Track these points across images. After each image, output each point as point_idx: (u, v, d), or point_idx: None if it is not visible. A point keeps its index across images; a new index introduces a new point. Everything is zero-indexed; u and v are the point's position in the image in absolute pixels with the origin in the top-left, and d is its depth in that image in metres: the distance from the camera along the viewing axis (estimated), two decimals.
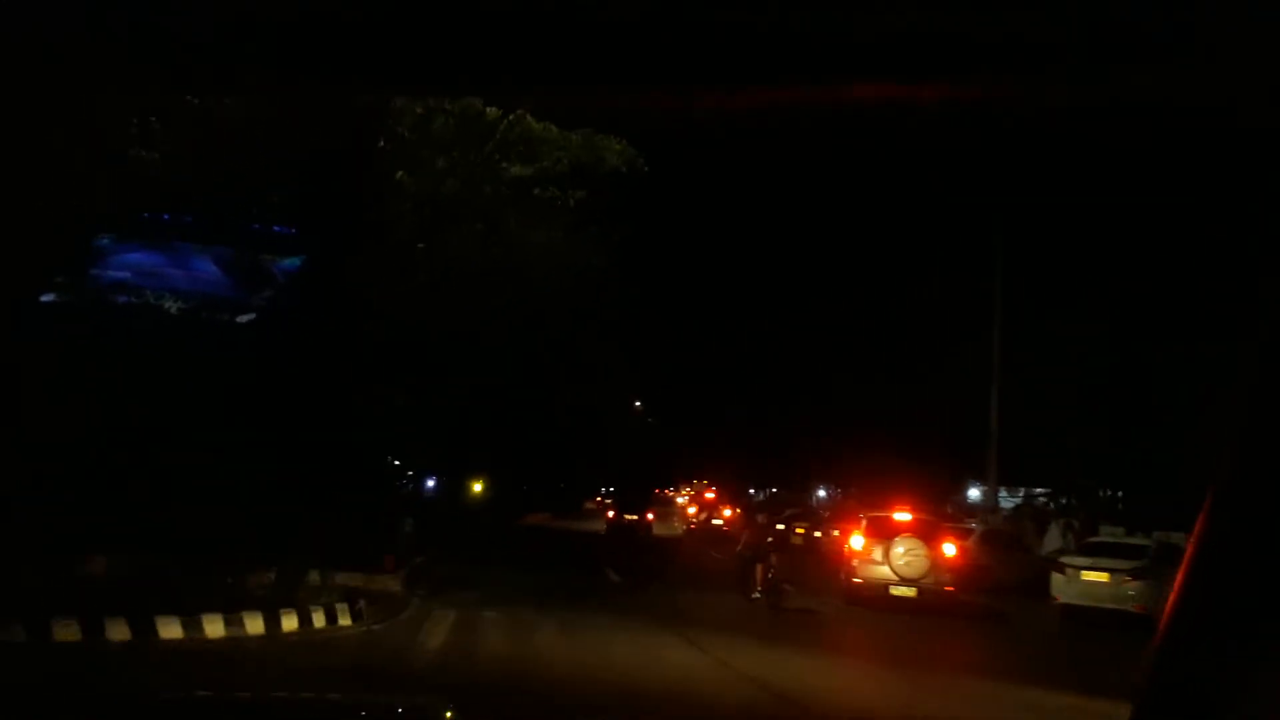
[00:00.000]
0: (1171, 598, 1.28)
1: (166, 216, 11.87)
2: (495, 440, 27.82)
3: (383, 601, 12.33)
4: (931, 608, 15.08)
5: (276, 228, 12.56)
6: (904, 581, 15.30)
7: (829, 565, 21.28)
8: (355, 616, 10.88)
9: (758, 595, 15.46)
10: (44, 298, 11.17)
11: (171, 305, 11.76)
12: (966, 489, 37.84)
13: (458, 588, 14.56)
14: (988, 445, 26.71)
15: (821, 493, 52.01)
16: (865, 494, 34.35)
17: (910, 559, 15.36)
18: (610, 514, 40.44)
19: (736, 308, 47.18)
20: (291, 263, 12.30)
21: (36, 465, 9.74)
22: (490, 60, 1.93)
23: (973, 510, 31.72)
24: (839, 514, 31.91)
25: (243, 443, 12.32)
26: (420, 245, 15.06)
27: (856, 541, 16.34)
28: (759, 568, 15.68)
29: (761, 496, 52.93)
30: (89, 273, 11.47)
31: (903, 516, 16.45)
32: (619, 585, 18.33)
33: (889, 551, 15.47)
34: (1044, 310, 26.90)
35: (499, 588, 15.13)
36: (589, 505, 56.20)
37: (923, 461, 30.11)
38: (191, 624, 9.21)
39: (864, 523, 16.95)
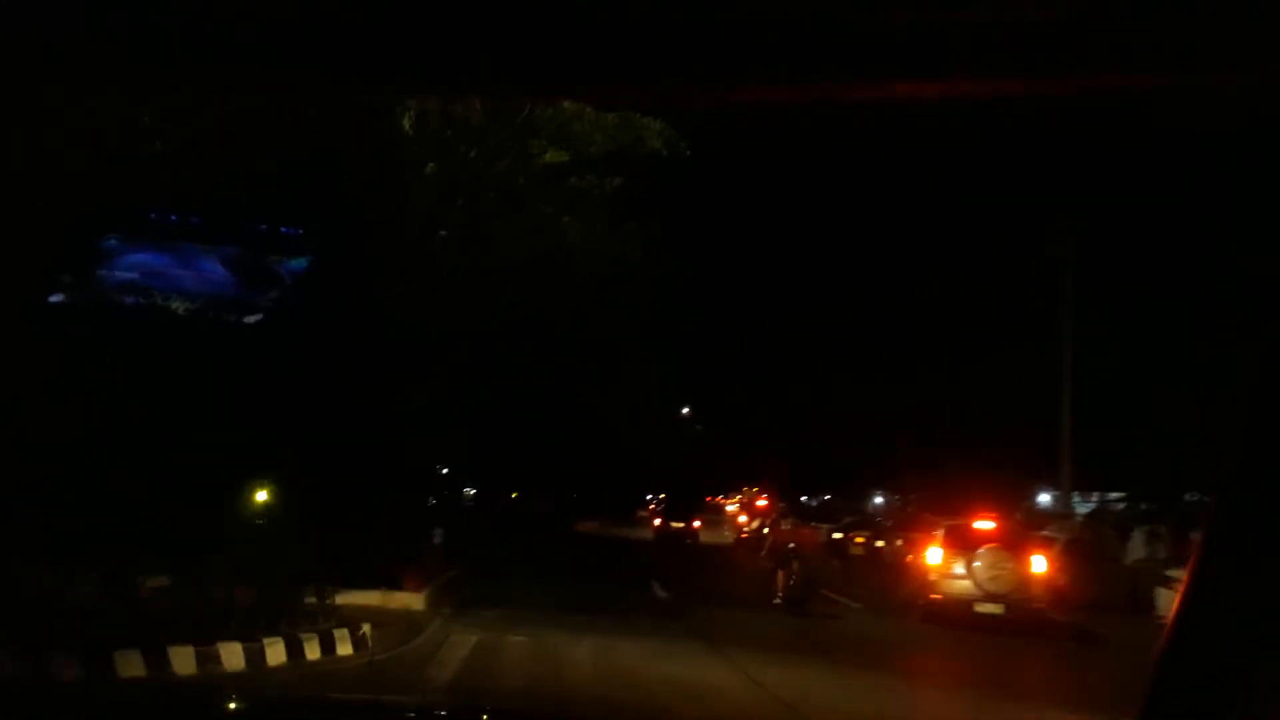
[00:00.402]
0: (1177, 599, 1.23)
1: (174, 217, 11.63)
2: (539, 446, 26.94)
3: (398, 623, 10.99)
4: (1021, 627, 13.30)
5: (284, 228, 12.19)
6: (990, 597, 13.56)
7: (892, 577, 19.71)
8: (357, 644, 9.41)
9: (778, 601, 15.20)
10: (53, 298, 10.84)
11: (179, 305, 11.48)
12: (1035, 494, 35.85)
13: (487, 605, 13.27)
14: (1060, 448, 25.22)
15: (879, 499, 50.00)
16: (926, 501, 32.76)
17: (996, 572, 13.62)
18: (657, 521, 39.37)
19: (785, 310, 45.75)
20: (299, 263, 11.94)
21: (36, 465, 9.09)
22: (491, 59, 1.63)
23: (1046, 517, 29.74)
24: (901, 521, 30.08)
25: (249, 443, 11.68)
26: (442, 233, 14.05)
27: (934, 554, 14.60)
28: (780, 574, 15.57)
29: (815, 504, 50.86)
30: (97, 273, 11.26)
31: (985, 525, 14.65)
32: (664, 602, 16.78)
33: (971, 564, 13.78)
34: (1111, 307, 25.54)
35: (532, 605, 13.77)
36: (640, 513, 54.85)
37: (987, 466, 28.29)
38: (157, 659, 7.78)
39: (941, 532, 15.17)
